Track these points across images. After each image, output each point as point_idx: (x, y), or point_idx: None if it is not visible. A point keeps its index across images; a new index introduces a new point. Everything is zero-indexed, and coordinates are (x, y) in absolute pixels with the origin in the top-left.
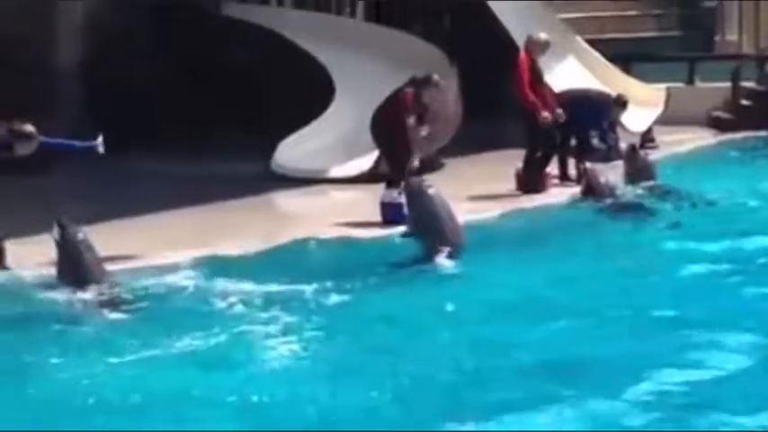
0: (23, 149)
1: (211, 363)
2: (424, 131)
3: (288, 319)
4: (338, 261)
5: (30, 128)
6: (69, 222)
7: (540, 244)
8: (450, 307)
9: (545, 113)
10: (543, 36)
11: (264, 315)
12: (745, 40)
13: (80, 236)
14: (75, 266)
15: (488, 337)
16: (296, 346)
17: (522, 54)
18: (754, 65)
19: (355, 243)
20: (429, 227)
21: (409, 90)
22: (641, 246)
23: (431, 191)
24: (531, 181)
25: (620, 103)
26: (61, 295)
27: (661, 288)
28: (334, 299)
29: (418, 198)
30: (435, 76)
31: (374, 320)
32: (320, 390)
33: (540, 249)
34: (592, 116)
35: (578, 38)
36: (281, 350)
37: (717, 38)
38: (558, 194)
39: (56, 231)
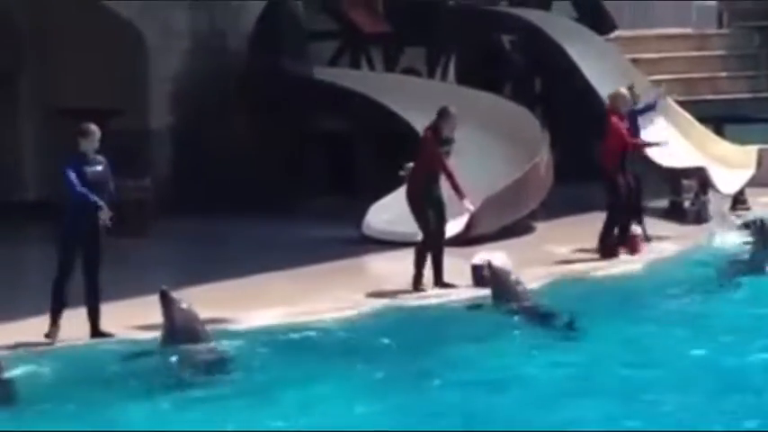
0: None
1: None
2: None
3: None
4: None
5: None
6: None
7: None
8: None
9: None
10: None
11: None
12: None
13: (183, 305)
14: (180, 332)
15: None
16: None
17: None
18: None
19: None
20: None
21: (428, 130)
22: None
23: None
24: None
25: None
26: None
27: None
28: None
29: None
30: (451, 108)
31: None
32: None
33: None
34: None
35: (669, 99)
36: None
37: None
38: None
39: (161, 301)
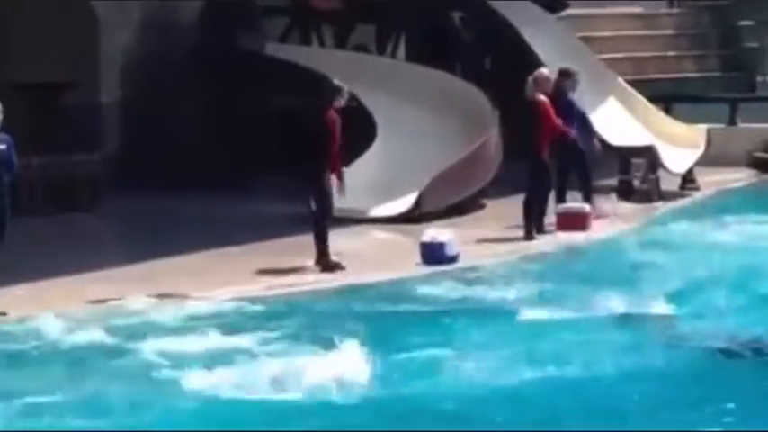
0: None
1: None
2: None
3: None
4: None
5: None
6: None
7: None
8: None
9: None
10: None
11: None
12: None
13: None
14: None
15: None
16: None
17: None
18: None
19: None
20: None
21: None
22: None
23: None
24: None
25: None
26: None
27: None
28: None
29: None
30: (337, 82)
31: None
32: None
33: None
34: None
35: (619, 78)
36: None
37: (759, 79)
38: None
39: None
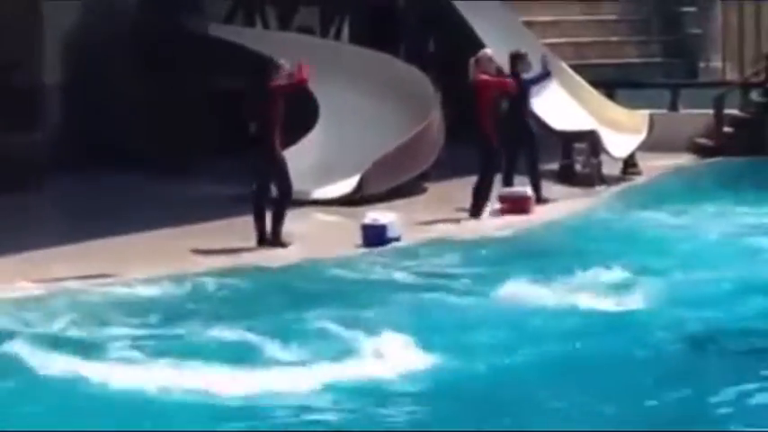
0: None
1: None
2: None
3: None
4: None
5: None
6: None
7: None
8: None
9: None
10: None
11: None
12: (728, 68)
13: None
14: None
15: None
16: None
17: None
18: (737, 92)
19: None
20: None
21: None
22: None
23: None
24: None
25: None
26: None
27: None
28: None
29: None
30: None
31: None
32: None
33: None
34: None
35: (562, 63)
36: None
37: (701, 65)
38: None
39: None
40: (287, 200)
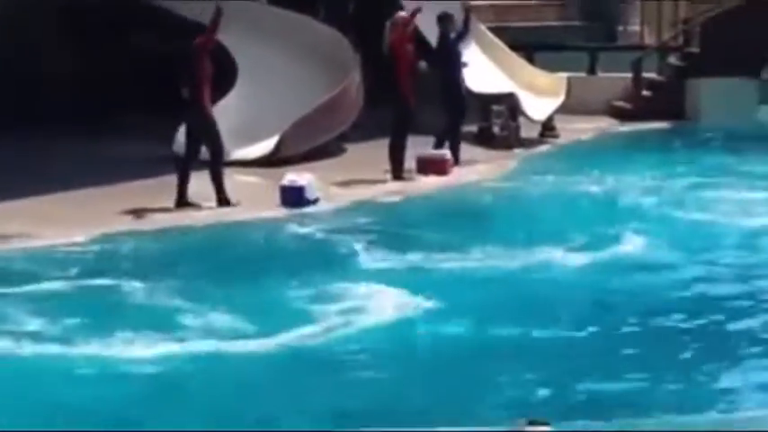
0: None
1: None
2: None
3: None
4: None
5: None
6: None
7: None
8: None
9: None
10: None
11: None
12: (646, 32)
13: None
14: None
15: None
16: None
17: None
18: (655, 56)
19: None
20: None
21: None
22: None
23: None
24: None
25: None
26: None
27: None
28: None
29: None
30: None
31: None
32: None
33: None
34: None
35: (481, 26)
36: None
37: (619, 28)
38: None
39: None
40: (220, 158)
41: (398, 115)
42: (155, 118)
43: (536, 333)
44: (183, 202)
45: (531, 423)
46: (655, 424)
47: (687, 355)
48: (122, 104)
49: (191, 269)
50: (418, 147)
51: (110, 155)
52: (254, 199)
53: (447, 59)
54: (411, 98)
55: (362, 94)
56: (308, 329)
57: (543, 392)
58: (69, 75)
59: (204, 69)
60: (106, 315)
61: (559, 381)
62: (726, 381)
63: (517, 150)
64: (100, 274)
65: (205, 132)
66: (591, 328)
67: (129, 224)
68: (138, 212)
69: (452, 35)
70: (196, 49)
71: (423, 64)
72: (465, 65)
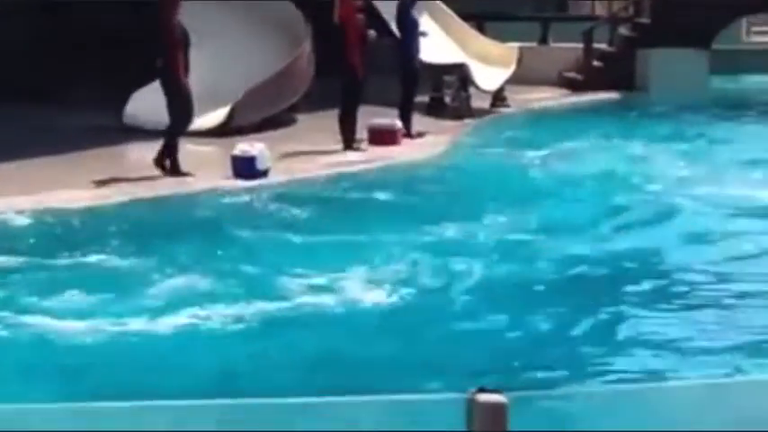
0: None
1: None
2: None
3: None
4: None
5: None
6: None
7: None
8: None
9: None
10: None
11: None
12: (597, 3)
13: None
14: None
15: None
16: None
17: None
18: (606, 27)
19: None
20: None
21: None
22: None
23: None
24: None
25: None
26: None
27: None
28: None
29: None
30: None
31: None
32: None
33: None
34: None
35: None
36: None
37: None
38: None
39: None
40: (178, 129)
41: (348, 85)
42: (103, 90)
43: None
44: (176, 171)
45: (481, 391)
46: (607, 391)
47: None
48: (69, 76)
49: (125, 242)
50: (371, 117)
51: (68, 124)
52: (206, 169)
53: (405, 29)
54: (360, 68)
55: (314, 64)
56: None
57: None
58: (19, 46)
59: (174, 37)
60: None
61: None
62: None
63: (468, 121)
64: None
65: (170, 99)
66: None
67: (86, 196)
68: (99, 182)
69: (412, 6)
70: (163, 15)
71: (372, 33)
72: (424, 34)
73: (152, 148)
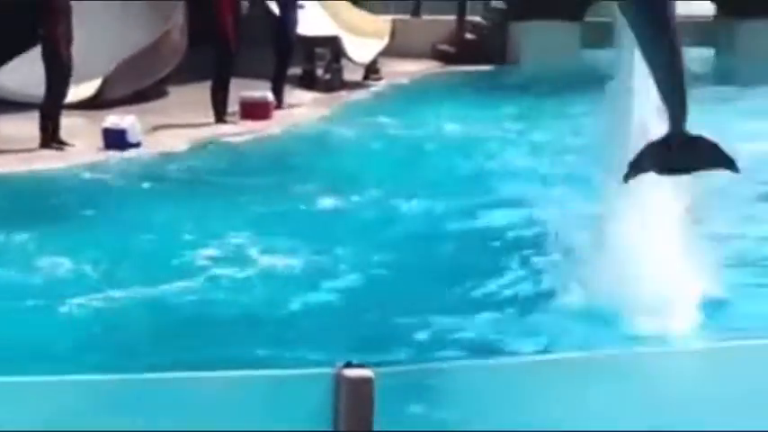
0: None
1: None
2: None
3: None
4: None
5: None
6: None
7: None
8: None
9: None
10: None
11: None
12: None
13: None
14: None
15: None
16: None
17: None
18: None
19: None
20: None
21: None
22: None
23: None
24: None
25: None
26: None
27: None
28: None
29: None
30: None
31: None
32: None
33: None
34: None
35: None
36: None
37: None
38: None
39: None
40: (57, 97)
41: (220, 58)
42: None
43: None
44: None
45: (348, 366)
46: (472, 365)
47: None
48: None
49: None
50: (243, 89)
51: None
52: (77, 142)
53: (282, 1)
54: (232, 40)
55: (186, 36)
56: None
57: None
58: None
59: (55, 4)
60: None
61: None
62: None
63: (340, 93)
64: None
65: (48, 66)
66: None
67: None
68: None
69: None
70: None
71: (245, 5)
72: (301, 6)
73: (25, 119)
